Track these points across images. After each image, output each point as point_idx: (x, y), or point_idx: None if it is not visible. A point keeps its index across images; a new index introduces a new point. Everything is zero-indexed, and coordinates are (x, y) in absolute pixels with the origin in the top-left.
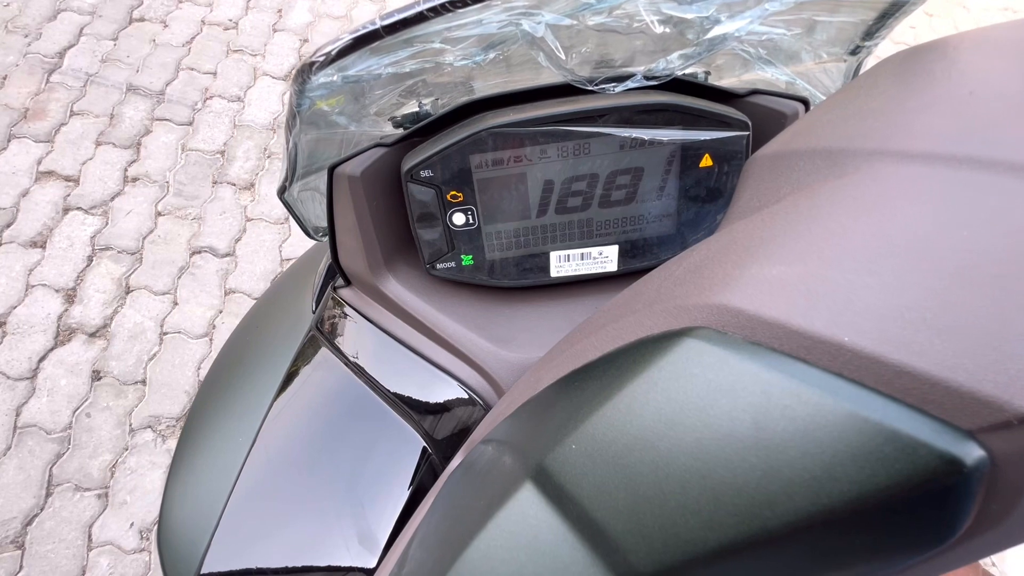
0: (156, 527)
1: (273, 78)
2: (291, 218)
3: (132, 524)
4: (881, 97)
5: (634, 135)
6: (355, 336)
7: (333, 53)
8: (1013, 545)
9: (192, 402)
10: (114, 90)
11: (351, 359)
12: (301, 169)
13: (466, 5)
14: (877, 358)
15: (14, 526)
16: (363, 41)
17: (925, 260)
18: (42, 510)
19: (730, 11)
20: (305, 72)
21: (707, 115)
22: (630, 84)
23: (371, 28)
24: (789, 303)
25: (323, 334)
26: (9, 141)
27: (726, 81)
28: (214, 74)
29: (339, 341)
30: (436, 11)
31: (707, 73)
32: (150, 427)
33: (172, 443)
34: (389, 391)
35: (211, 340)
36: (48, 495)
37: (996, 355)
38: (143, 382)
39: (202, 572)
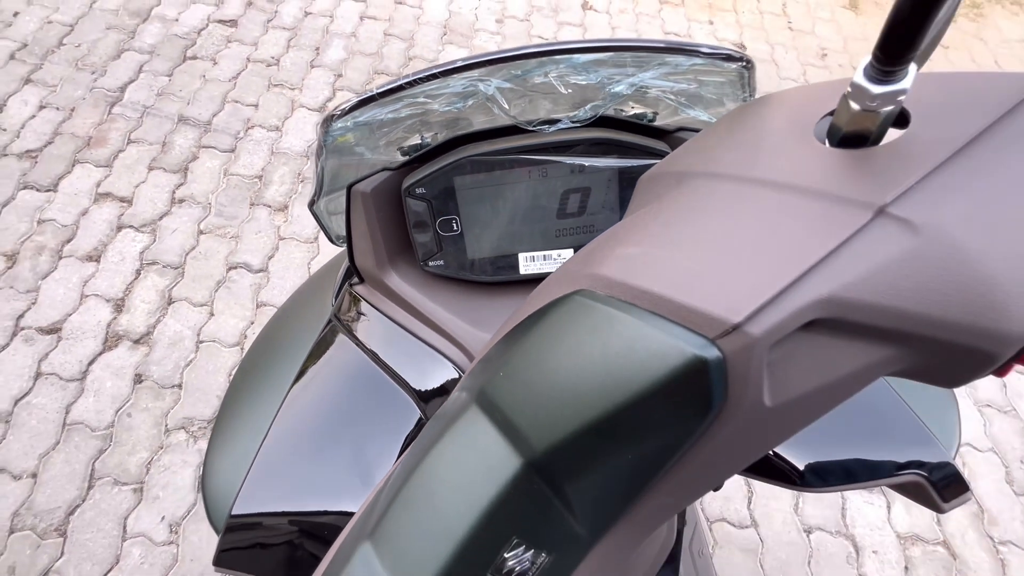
0: (200, 474)
1: (309, 110)
2: (319, 228)
3: (163, 518)
4: (714, 136)
5: (579, 162)
6: (366, 323)
7: (346, 109)
8: (775, 438)
9: (232, 376)
10: (167, 121)
11: (362, 342)
12: (327, 187)
13: (435, 78)
14: (668, 298)
15: (58, 515)
16: (365, 102)
17: (702, 239)
18: (83, 501)
19: (611, 80)
20: (328, 121)
21: (636, 147)
22: (560, 126)
23: (370, 94)
24: (630, 269)
25: (340, 322)
26: (74, 166)
27: (681, 119)
28: (256, 106)
29: (353, 327)
30: (413, 83)
31: (655, 113)
32: (183, 428)
33: (203, 443)
34: (392, 367)
35: (242, 349)
36: (89, 488)
37: (723, 290)
38: (179, 386)
39: (232, 512)
